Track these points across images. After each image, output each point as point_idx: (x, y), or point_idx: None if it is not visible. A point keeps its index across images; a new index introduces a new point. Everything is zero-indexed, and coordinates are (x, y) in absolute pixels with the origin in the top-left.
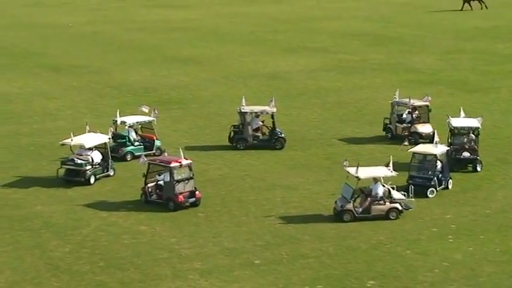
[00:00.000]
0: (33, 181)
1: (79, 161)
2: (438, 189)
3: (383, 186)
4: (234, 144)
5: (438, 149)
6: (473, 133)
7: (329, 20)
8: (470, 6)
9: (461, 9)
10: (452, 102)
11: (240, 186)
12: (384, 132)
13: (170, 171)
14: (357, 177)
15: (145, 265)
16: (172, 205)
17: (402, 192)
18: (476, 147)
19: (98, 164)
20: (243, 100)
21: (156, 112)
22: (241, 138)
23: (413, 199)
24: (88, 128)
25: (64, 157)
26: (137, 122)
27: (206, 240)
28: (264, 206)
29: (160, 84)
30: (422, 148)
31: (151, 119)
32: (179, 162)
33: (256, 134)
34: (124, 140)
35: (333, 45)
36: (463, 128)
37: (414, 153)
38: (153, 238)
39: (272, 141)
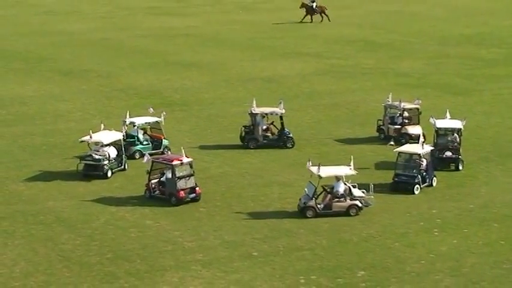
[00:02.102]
0: (46, 178)
1: (97, 157)
2: (422, 186)
3: (345, 184)
4: (246, 143)
5: (423, 148)
6: (456, 134)
7: (322, 27)
8: (311, 19)
9: (311, 19)
10: (439, 104)
11: (239, 183)
12: (377, 133)
13: (172, 168)
14: (318, 175)
15: (150, 257)
16: (174, 200)
17: (363, 190)
18: (459, 147)
19: (114, 159)
20: (254, 102)
21: (164, 113)
22: (252, 138)
23: (372, 196)
24: (102, 126)
25: (77, 155)
26: (145, 123)
27: (207, 233)
28: (262, 202)
29: (164, 87)
30: (407, 148)
31: (158, 119)
32: (181, 160)
33: (266, 134)
34: (133, 140)
35: (327, 50)
36: (446, 129)
37: (399, 152)
38: (158, 232)
39: (281, 141)
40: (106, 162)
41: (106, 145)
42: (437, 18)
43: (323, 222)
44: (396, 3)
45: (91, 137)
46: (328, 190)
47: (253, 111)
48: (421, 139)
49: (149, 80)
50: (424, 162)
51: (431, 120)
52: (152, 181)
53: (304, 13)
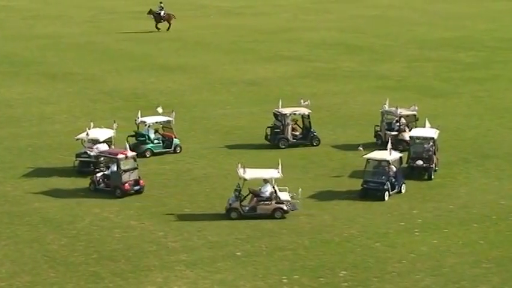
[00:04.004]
0: (31, 180)
1: (92, 153)
2: (391, 193)
3: (272, 187)
4: (276, 143)
5: (392, 155)
6: (430, 143)
7: (304, 31)
8: (157, 28)
9: (157, 28)
10: (419, 107)
11: (222, 184)
12: (374, 139)
13: (117, 162)
14: (243, 178)
15: (135, 257)
16: (119, 192)
17: (290, 194)
18: (433, 156)
19: None
20: (280, 103)
21: (173, 113)
22: (283, 137)
23: (298, 201)
24: (92, 124)
25: (61, 155)
26: (156, 122)
27: (191, 234)
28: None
29: (149, 90)
30: (376, 154)
31: (169, 119)
32: (125, 154)
33: (295, 133)
34: (144, 139)
35: (309, 54)
36: (418, 138)
37: (368, 159)
38: (142, 232)
39: (308, 140)
40: (101, 159)
41: (99, 142)
42: (416, 22)
43: (305, 223)
44: (376, 8)
45: (87, 134)
46: (254, 193)
47: (283, 112)
48: (389, 145)
49: (134, 83)
50: (393, 169)
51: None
52: (97, 174)
53: (154, 20)
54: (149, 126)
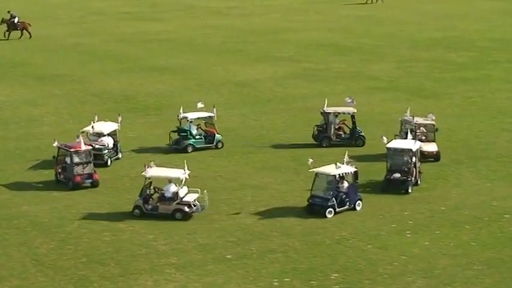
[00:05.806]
0: (19, 183)
1: (98, 146)
2: (338, 209)
3: (175, 187)
4: (319, 141)
5: (340, 169)
6: (409, 155)
7: (294, 32)
8: (7, 35)
9: (7, 38)
10: (410, 108)
11: (212, 186)
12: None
13: (71, 155)
14: (144, 176)
15: (124, 260)
16: (71, 184)
17: (198, 195)
18: (412, 169)
19: (111, 148)
20: (326, 101)
21: (215, 109)
22: (325, 136)
23: (199, 203)
24: (96, 118)
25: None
26: (198, 118)
27: (181, 236)
28: (235, 205)
29: (137, 92)
30: (324, 169)
31: (211, 115)
32: (78, 148)
33: (339, 132)
34: (186, 134)
35: (299, 54)
36: (395, 149)
37: (317, 173)
38: (132, 235)
39: (353, 139)
40: (105, 151)
41: (104, 135)
42: (406, 22)
43: (296, 225)
44: (366, 8)
45: (93, 127)
46: (158, 192)
47: (326, 111)
48: (345, 157)
49: (123, 84)
50: (345, 184)
51: (383, 139)
52: (59, 166)
53: (6, 29)
54: (191, 122)
